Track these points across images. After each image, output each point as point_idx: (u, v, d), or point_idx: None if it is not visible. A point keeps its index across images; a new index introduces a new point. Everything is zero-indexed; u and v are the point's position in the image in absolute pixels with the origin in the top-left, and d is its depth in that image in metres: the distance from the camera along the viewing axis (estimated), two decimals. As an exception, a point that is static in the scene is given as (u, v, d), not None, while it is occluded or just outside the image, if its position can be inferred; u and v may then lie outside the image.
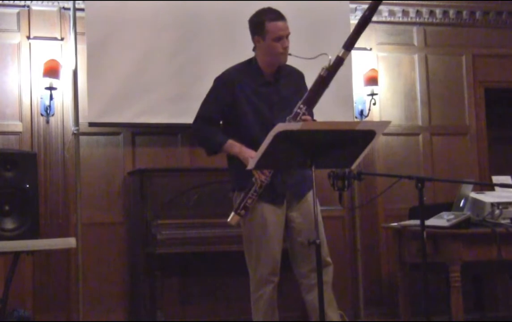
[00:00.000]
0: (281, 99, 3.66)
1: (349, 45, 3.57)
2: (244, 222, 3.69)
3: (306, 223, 3.63)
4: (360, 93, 6.35)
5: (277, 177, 3.59)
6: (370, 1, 3.58)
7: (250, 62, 3.74)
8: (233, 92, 3.65)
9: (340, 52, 3.54)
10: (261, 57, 3.68)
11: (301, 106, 3.52)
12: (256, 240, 3.64)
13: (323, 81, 3.54)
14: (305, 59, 3.57)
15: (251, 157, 3.45)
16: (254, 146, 3.49)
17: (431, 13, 6.72)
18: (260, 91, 3.66)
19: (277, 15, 3.63)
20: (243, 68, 3.74)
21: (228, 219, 3.62)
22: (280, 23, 3.60)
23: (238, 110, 3.65)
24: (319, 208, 3.67)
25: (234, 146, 3.62)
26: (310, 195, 3.67)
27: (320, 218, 3.66)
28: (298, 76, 3.80)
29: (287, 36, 3.62)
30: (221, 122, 3.78)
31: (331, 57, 3.53)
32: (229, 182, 3.87)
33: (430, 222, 4.61)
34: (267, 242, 3.61)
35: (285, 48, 3.61)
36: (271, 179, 3.55)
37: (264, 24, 3.61)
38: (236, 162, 3.63)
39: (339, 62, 3.54)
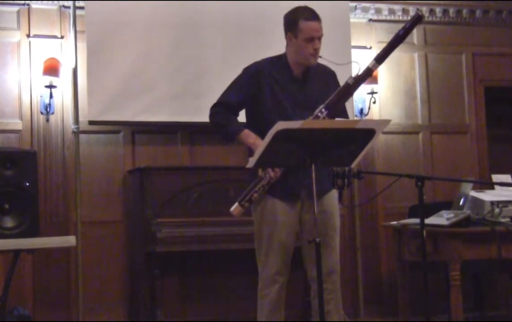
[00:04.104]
0: (306, 98, 3.60)
1: (381, 58, 3.51)
2: (255, 219, 3.66)
3: (321, 226, 3.50)
4: (360, 91, 6.31)
5: (293, 175, 3.53)
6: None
7: (280, 58, 3.68)
8: (259, 84, 3.61)
9: (371, 63, 3.50)
10: (291, 55, 3.63)
11: (323, 110, 3.45)
12: (266, 238, 3.59)
13: (349, 89, 3.50)
14: (333, 63, 3.56)
15: None
16: None
17: (431, 11, 6.72)
18: (287, 88, 3.61)
19: (312, 15, 3.57)
20: (273, 61, 3.68)
21: (231, 209, 3.54)
22: (313, 24, 3.55)
23: (261, 103, 3.61)
24: (337, 209, 3.67)
25: (250, 137, 3.57)
26: (328, 197, 3.64)
27: (338, 223, 3.68)
28: (329, 75, 3.72)
29: (319, 38, 3.56)
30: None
31: (361, 67, 3.49)
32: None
33: (430, 220, 4.61)
34: (277, 242, 3.57)
35: (316, 50, 3.55)
36: (286, 177, 3.51)
37: (298, 22, 3.55)
38: (253, 152, 3.57)
39: (367, 73, 3.50)
